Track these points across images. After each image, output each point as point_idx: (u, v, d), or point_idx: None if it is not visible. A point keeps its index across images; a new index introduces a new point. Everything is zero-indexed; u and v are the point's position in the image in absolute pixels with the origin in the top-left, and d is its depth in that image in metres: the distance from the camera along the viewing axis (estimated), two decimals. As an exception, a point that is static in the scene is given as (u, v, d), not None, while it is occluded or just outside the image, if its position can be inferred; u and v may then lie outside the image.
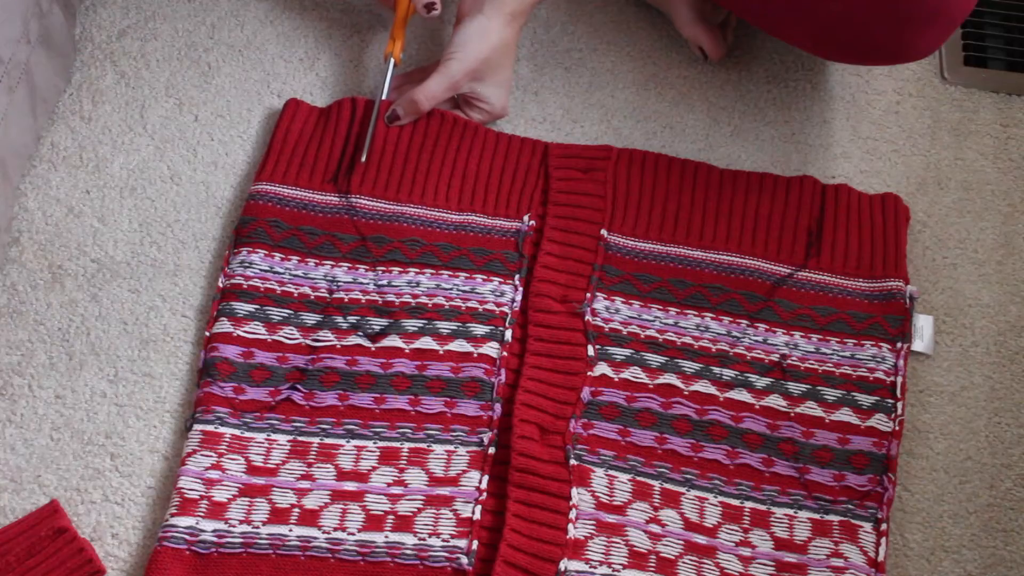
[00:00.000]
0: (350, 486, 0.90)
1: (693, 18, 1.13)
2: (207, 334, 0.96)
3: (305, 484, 0.90)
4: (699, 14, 1.13)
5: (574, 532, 0.88)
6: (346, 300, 0.98)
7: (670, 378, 0.96)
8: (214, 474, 0.89)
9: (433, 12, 1.04)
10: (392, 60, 1.07)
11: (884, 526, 0.90)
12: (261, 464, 0.90)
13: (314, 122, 1.07)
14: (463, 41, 1.05)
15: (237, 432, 0.91)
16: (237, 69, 1.13)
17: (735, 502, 0.91)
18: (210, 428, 0.91)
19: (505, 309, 0.98)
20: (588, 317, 0.98)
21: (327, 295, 0.98)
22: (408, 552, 0.87)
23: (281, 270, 0.99)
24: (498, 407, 0.94)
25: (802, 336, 0.99)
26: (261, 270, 0.98)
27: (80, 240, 1.02)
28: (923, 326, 1.01)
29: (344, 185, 1.03)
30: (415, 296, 0.98)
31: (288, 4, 1.18)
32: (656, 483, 0.92)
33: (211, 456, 0.90)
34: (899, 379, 0.97)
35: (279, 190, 1.02)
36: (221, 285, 0.98)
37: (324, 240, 1.00)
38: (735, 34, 1.17)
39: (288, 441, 0.92)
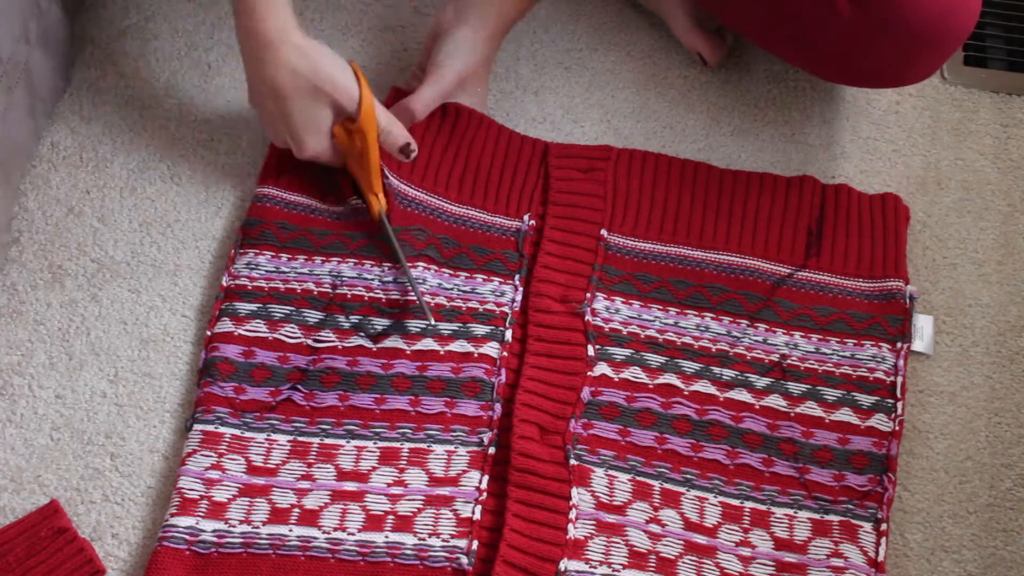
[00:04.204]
0: (350, 486, 0.90)
1: (690, 25, 1.13)
2: (208, 333, 0.96)
3: (305, 484, 0.90)
4: (696, 21, 1.13)
5: (574, 532, 0.88)
6: (349, 296, 0.98)
7: (670, 378, 0.96)
8: (214, 474, 0.89)
9: (412, 155, 1.00)
10: (384, 216, 0.99)
11: (884, 526, 0.90)
12: (261, 464, 0.90)
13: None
14: (451, 51, 1.04)
15: (237, 432, 0.91)
16: (237, 69, 1.13)
17: (735, 502, 0.91)
18: (210, 428, 0.91)
19: (505, 309, 0.98)
20: (588, 317, 0.98)
21: (330, 290, 0.98)
22: (408, 552, 0.87)
23: (287, 269, 0.99)
24: (498, 407, 0.94)
25: (802, 336, 0.99)
26: (267, 271, 0.98)
27: (80, 240, 1.02)
28: (923, 326, 1.01)
29: (348, 191, 1.02)
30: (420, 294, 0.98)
31: (288, 4, 1.17)
32: (656, 483, 0.92)
33: (211, 456, 0.90)
34: (899, 379, 0.97)
35: (284, 195, 1.02)
36: (225, 284, 0.98)
37: (334, 239, 1.00)
38: (734, 35, 1.17)
39: (288, 441, 0.92)
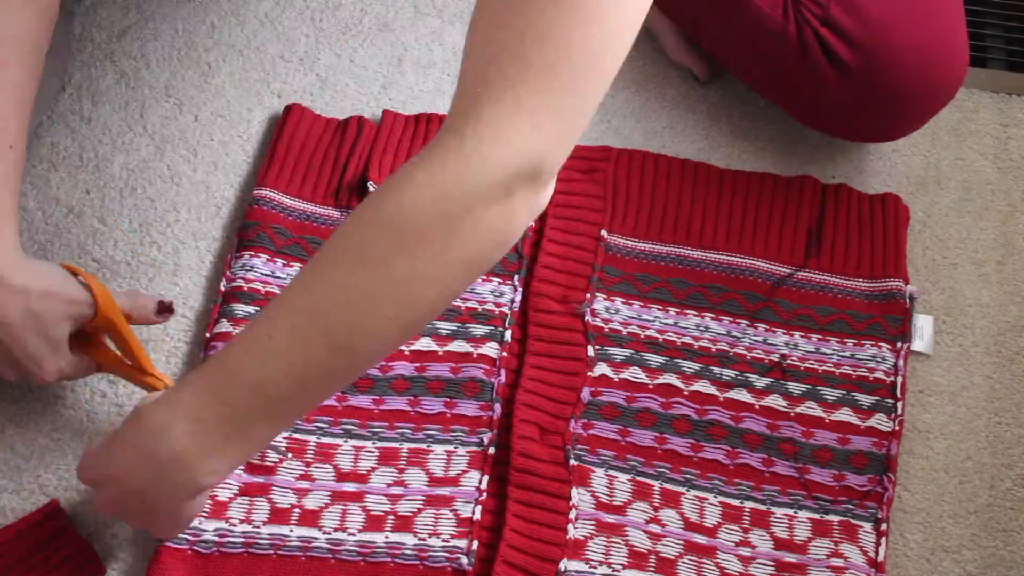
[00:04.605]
0: (350, 487, 0.90)
1: (679, 44, 1.14)
2: (207, 336, 0.96)
3: (304, 484, 0.90)
4: (686, 39, 1.14)
5: (574, 532, 0.88)
6: None
7: (670, 378, 0.96)
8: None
9: (170, 316, 0.91)
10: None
11: (884, 526, 0.90)
12: (258, 462, 0.90)
13: (319, 133, 1.06)
14: None
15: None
16: (237, 69, 1.13)
17: (735, 502, 0.91)
18: None
19: (504, 309, 0.98)
20: (588, 317, 0.98)
21: None
22: (408, 552, 0.87)
23: (283, 275, 0.98)
24: (498, 407, 0.93)
25: (802, 336, 0.99)
26: (263, 274, 0.98)
27: (80, 240, 1.02)
28: (923, 326, 1.01)
29: (345, 199, 1.03)
30: None
31: (288, 4, 1.18)
32: (656, 483, 0.92)
33: None
34: (899, 379, 0.97)
35: (282, 199, 1.02)
36: (223, 288, 0.98)
37: None
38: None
39: (283, 439, 0.92)
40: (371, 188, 1.02)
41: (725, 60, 1.11)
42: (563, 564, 0.87)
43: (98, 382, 0.95)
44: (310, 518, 0.88)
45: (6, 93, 0.82)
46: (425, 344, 0.96)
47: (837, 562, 0.89)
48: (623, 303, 1.00)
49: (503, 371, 0.95)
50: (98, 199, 1.04)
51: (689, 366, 0.97)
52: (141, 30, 1.14)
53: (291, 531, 0.88)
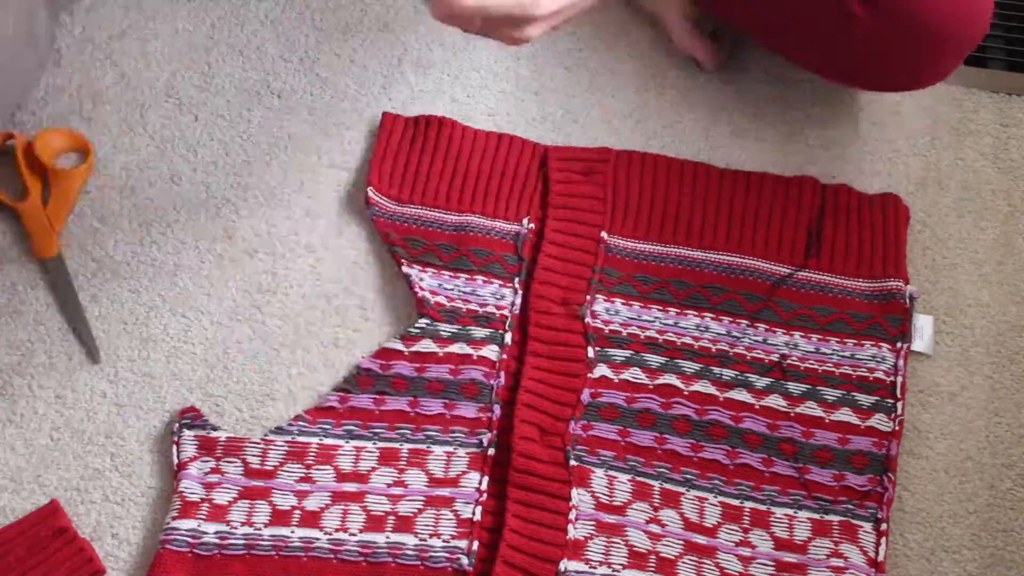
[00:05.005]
0: (350, 487, 0.90)
1: (685, 30, 1.13)
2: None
3: (305, 486, 0.90)
4: (693, 25, 1.13)
5: (574, 532, 0.88)
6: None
7: (670, 378, 0.96)
8: (213, 477, 0.89)
9: None
10: None
11: (884, 526, 0.90)
12: (258, 466, 0.90)
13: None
14: None
15: (231, 432, 0.91)
16: (237, 69, 1.13)
17: (735, 502, 0.91)
18: (202, 433, 0.91)
19: (505, 312, 0.98)
20: (588, 319, 0.98)
21: None
22: (409, 552, 0.87)
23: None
24: (497, 408, 0.94)
25: (802, 336, 0.99)
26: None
27: (80, 240, 1.02)
28: (923, 326, 1.01)
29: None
30: (421, 289, 0.98)
31: (288, 4, 1.17)
32: (656, 483, 0.92)
33: (209, 460, 0.90)
34: (899, 379, 0.97)
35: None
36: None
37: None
38: (732, 41, 1.17)
39: (285, 442, 0.92)
40: (371, 194, 1.03)
41: (743, 10, 1.08)
42: (563, 564, 0.87)
43: (98, 382, 0.95)
44: (311, 519, 0.88)
45: None
46: (425, 346, 0.96)
47: (837, 562, 0.89)
48: (623, 304, 1.00)
49: (502, 374, 0.95)
50: (98, 199, 1.04)
51: (689, 366, 0.97)
52: (141, 30, 1.14)
53: (292, 532, 0.88)
